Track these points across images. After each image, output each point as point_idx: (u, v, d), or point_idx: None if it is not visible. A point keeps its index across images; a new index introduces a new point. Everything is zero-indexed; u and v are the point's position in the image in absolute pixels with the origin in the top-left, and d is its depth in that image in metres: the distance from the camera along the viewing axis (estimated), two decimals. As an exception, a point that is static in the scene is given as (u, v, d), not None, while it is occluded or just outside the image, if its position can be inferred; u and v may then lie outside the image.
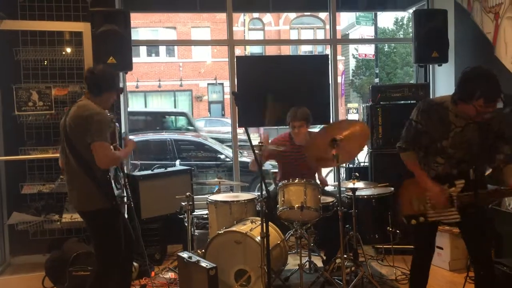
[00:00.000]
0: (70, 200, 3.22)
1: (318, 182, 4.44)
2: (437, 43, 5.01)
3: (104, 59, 4.34)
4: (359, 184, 3.99)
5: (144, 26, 23.32)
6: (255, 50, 23.52)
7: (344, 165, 5.96)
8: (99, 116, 2.98)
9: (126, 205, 3.29)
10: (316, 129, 4.81)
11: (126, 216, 3.47)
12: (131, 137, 3.77)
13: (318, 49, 23.02)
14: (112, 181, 3.10)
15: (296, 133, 4.34)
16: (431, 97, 5.43)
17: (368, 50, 22.11)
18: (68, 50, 4.66)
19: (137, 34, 21.52)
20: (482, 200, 2.77)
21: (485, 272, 2.87)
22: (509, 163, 2.76)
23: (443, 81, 5.51)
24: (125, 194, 3.31)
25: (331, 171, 6.36)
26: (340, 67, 23.33)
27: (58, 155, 4.15)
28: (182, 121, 13.05)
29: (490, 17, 4.65)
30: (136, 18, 20.71)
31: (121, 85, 3.37)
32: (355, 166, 5.70)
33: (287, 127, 4.53)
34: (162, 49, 25.22)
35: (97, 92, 3.13)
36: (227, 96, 22.71)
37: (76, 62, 4.57)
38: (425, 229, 2.97)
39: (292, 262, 4.26)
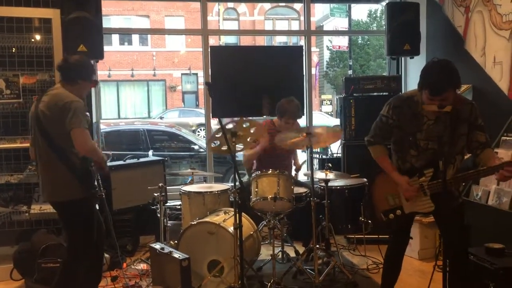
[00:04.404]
0: (42, 190, 3.17)
1: (294, 167, 4.50)
2: (409, 36, 5.07)
3: (74, 46, 4.24)
4: (332, 175, 4.03)
5: (116, 14, 22.92)
6: (230, 40, 23.39)
7: (317, 156, 6.01)
8: (76, 104, 2.97)
9: (98, 196, 3.26)
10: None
11: (97, 207, 3.43)
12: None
13: (292, 40, 23.07)
14: (91, 170, 3.10)
15: (285, 127, 4.35)
16: (403, 89, 5.51)
17: (342, 42, 22.30)
18: (37, 37, 4.52)
19: (109, 21, 21.13)
20: (452, 184, 2.81)
21: (460, 262, 2.92)
22: (485, 149, 2.84)
23: (415, 74, 5.59)
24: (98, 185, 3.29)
25: (304, 161, 6.39)
26: (315, 58, 23.45)
27: (26, 145, 4.06)
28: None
29: (460, 11, 4.73)
30: (108, 6, 20.31)
31: (95, 77, 3.34)
32: (328, 157, 5.75)
33: (261, 117, 4.53)
34: (135, 37, 24.85)
35: (72, 81, 3.11)
36: (201, 87, 22.58)
37: (45, 50, 4.45)
38: (402, 219, 3.02)
39: (265, 253, 4.28)
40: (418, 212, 3.05)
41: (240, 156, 4.87)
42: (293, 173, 4.60)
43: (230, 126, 3.28)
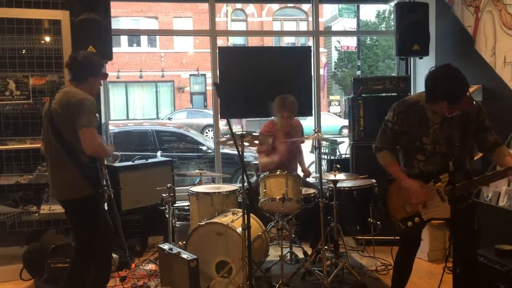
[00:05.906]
0: (51, 189, 3.19)
1: (301, 174, 4.47)
2: (418, 36, 5.03)
3: (83, 48, 4.25)
4: (340, 176, 4.01)
5: (125, 16, 23.03)
6: (238, 41, 23.41)
7: (325, 157, 6.00)
8: (88, 102, 2.98)
9: (107, 196, 3.26)
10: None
11: (105, 207, 3.44)
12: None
13: (301, 41, 23.04)
14: (99, 168, 3.11)
15: (284, 122, 4.36)
16: (411, 89, 5.48)
17: (351, 43, 22.25)
18: (47, 38, 4.56)
19: (118, 23, 21.24)
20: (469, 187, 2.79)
21: (468, 269, 2.85)
22: (497, 147, 2.82)
23: (424, 74, 5.49)
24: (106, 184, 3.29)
25: (312, 162, 6.38)
26: (323, 59, 23.41)
27: (36, 145, 4.09)
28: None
29: (470, 11, 4.69)
30: (117, 7, 20.42)
31: (104, 70, 3.34)
32: (336, 158, 5.73)
33: (270, 118, 4.53)
34: (144, 39, 24.97)
35: (82, 78, 3.12)
36: (210, 88, 22.59)
37: (54, 51, 4.48)
38: (420, 226, 2.98)
39: (274, 253, 4.27)
40: (436, 218, 3.00)
41: (248, 157, 4.87)
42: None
43: None
